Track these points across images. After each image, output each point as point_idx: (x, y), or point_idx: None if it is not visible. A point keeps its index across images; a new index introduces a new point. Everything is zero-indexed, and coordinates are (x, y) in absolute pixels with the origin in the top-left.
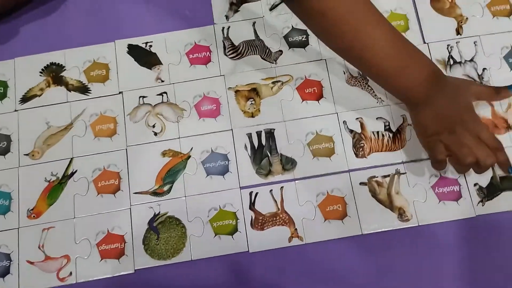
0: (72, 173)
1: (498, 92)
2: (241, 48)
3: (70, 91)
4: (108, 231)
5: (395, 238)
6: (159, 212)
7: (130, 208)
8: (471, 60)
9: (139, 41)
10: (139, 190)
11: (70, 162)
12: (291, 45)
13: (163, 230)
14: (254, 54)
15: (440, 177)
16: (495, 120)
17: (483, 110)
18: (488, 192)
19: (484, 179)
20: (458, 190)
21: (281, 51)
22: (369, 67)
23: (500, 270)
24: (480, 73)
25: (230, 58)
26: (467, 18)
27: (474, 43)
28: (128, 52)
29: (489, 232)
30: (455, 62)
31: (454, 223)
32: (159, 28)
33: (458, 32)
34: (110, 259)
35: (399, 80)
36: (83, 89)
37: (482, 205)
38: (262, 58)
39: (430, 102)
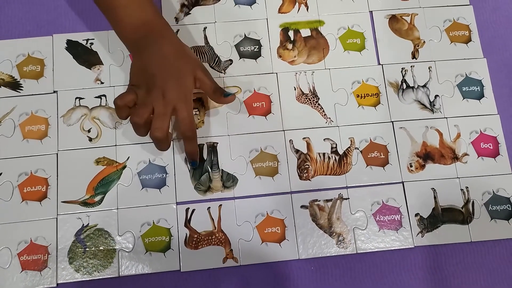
0: None
1: (215, 91)
2: None
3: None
4: (31, 240)
5: (332, 263)
6: (88, 223)
7: (57, 218)
8: (424, 85)
9: (79, 37)
10: (68, 199)
11: None
12: (242, 55)
13: (91, 243)
14: (203, 61)
15: (382, 205)
16: (442, 150)
17: (431, 138)
18: (429, 223)
19: (425, 210)
20: (399, 219)
21: (231, 60)
22: None
23: None
24: (432, 100)
25: None
26: (424, 42)
27: (429, 68)
28: (67, 49)
29: (425, 263)
30: (408, 86)
31: (391, 252)
32: (102, 25)
33: (413, 56)
34: (32, 271)
35: (117, 14)
36: (14, 85)
37: (422, 236)
38: (211, 67)
39: (141, 53)
